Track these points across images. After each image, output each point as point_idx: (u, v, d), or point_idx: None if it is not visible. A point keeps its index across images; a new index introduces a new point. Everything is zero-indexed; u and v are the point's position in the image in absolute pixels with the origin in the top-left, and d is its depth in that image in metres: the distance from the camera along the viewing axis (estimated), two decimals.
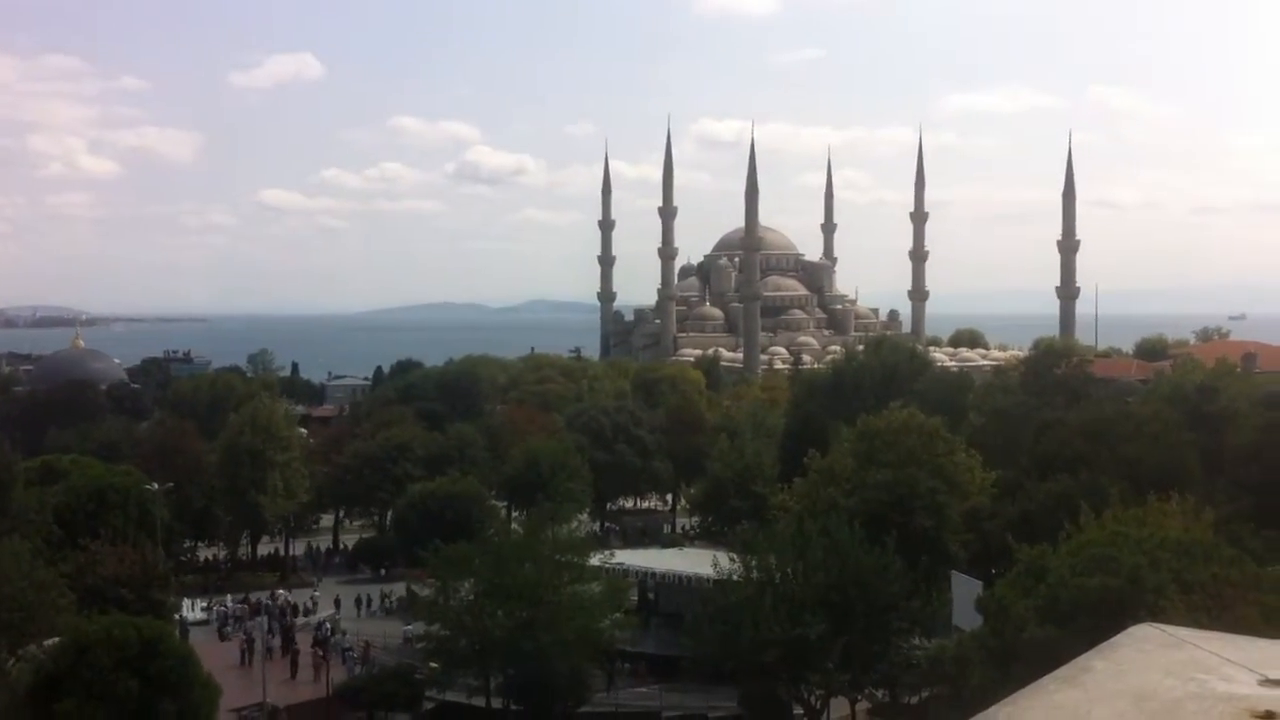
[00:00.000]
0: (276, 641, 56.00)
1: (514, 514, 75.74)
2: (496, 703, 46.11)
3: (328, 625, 59.11)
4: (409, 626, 54.98)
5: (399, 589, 65.49)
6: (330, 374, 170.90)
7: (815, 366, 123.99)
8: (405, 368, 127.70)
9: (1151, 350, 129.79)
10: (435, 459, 77.65)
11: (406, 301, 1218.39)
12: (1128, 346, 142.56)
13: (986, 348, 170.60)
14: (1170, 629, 2.44)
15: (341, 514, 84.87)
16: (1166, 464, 50.90)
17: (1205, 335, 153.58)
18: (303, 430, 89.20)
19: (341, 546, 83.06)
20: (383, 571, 73.31)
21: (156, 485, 62.07)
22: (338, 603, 66.24)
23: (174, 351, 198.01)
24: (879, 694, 44.77)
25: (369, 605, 66.20)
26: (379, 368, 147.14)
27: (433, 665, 47.46)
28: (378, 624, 61.14)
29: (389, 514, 78.30)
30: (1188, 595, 31.40)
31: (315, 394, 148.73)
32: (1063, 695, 2.10)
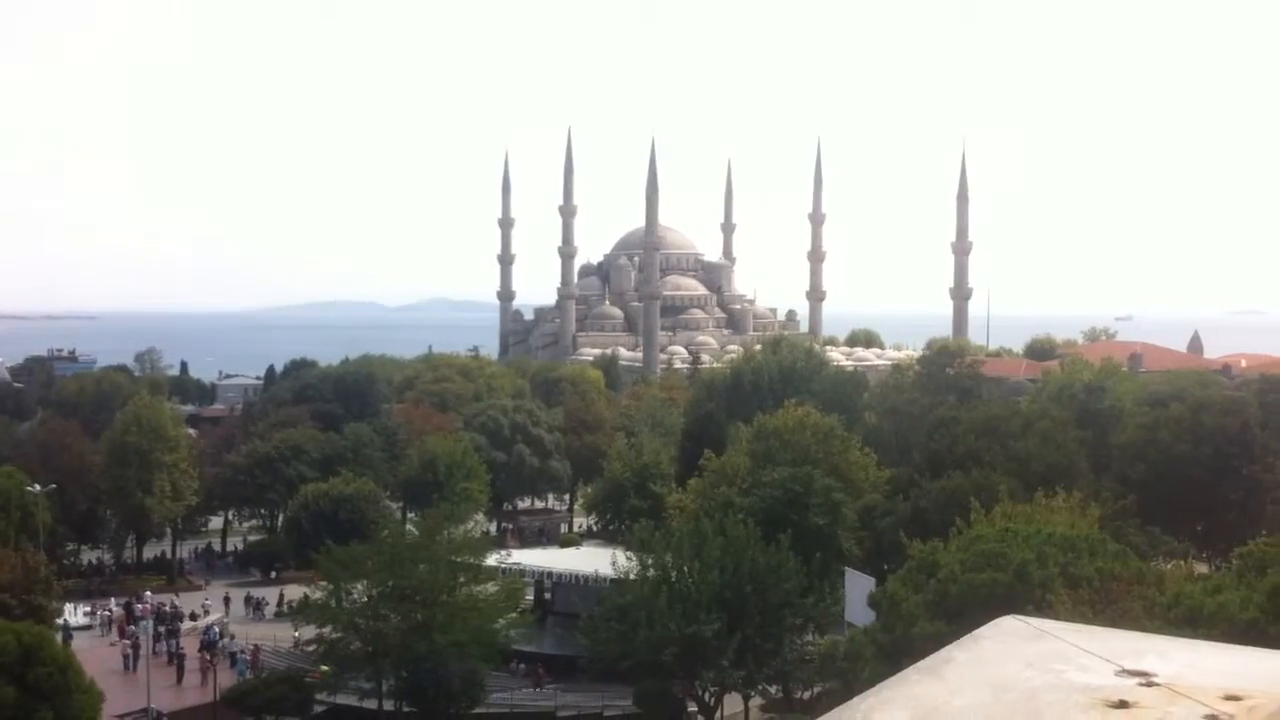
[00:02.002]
0: (163, 646, 54.74)
1: (410, 515, 75.02)
2: (389, 705, 45.62)
3: (215, 629, 57.95)
4: (299, 630, 54.18)
5: (291, 591, 64.50)
6: (221, 373, 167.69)
7: (714, 366, 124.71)
8: (299, 367, 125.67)
9: (1041, 350, 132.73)
10: (329, 459, 76.57)
11: (302, 299, 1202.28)
12: (1018, 346, 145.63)
13: (882, 347, 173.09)
14: (1034, 621, 2.40)
15: (231, 516, 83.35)
16: (1054, 461, 52.10)
17: (1093, 335, 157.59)
18: (191, 430, 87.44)
19: (231, 549, 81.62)
20: (273, 574, 72.12)
21: (39, 487, 60.32)
22: (227, 604, 65.06)
23: (59, 350, 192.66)
24: (773, 690, 45.17)
25: (259, 608, 65.07)
26: (271, 367, 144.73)
27: (324, 668, 46.80)
28: (268, 627, 60.11)
29: (280, 516, 77.07)
30: (1074, 590, 32.07)
31: (206, 393, 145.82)
32: (924, 687, 2.05)
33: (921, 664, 2.16)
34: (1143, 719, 1.91)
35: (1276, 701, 1.96)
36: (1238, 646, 2.31)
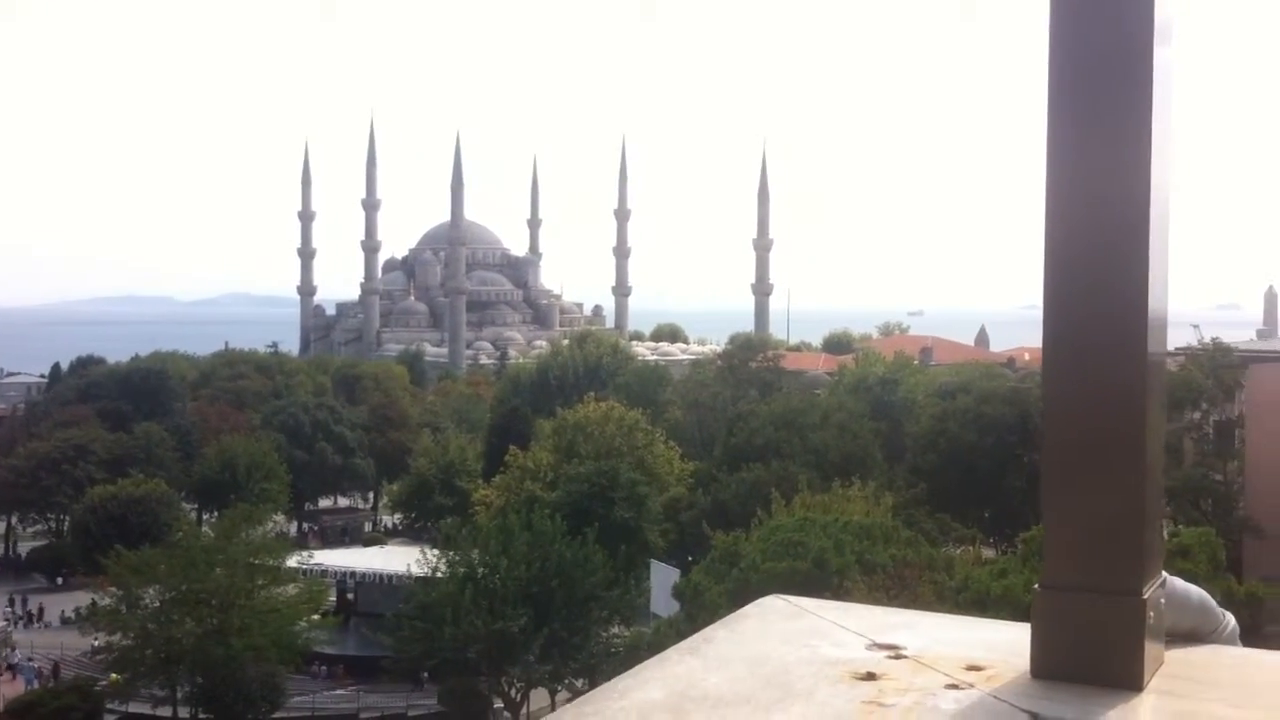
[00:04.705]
0: None
1: (206, 516, 72.80)
2: (184, 712, 44.33)
3: None
4: (97, 639, 52.02)
5: (80, 598, 61.84)
6: (2, 370, 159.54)
7: (521, 361, 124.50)
8: (86, 364, 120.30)
9: (838, 344, 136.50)
10: (119, 460, 73.58)
11: (91, 294, 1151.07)
12: (817, 340, 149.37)
13: (687, 342, 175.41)
14: (795, 600, 2.48)
15: (14, 520, 79.41)
16: (851, 452, 53.71)
17: (887, 330, 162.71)
18: None
19: (13, 554, 77.79)
20: (60, 580, 69.03)
21: None
22: (10, 610, 62.05)
23: None
24: (579, 683, 45.33)
25: (41, 616, 62.23)
26: (57, 364, 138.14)
27: (114, 676, 45.11)
28: (54, 635, 57.53)
29: (67, 519, 73.78)
30: (870, 576, 33.12)
31: None
32: (683, 665, 2.10)
33: (683, 643, 2.21)
34: (888, 689, 1.99)
35: (1014, 670, 2.07)
36: (982, 619, 2.43)
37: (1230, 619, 2.37)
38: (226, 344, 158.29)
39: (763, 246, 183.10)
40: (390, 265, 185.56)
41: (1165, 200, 2.04)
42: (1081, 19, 1.99)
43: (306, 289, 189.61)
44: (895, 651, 2.16)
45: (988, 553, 44.69)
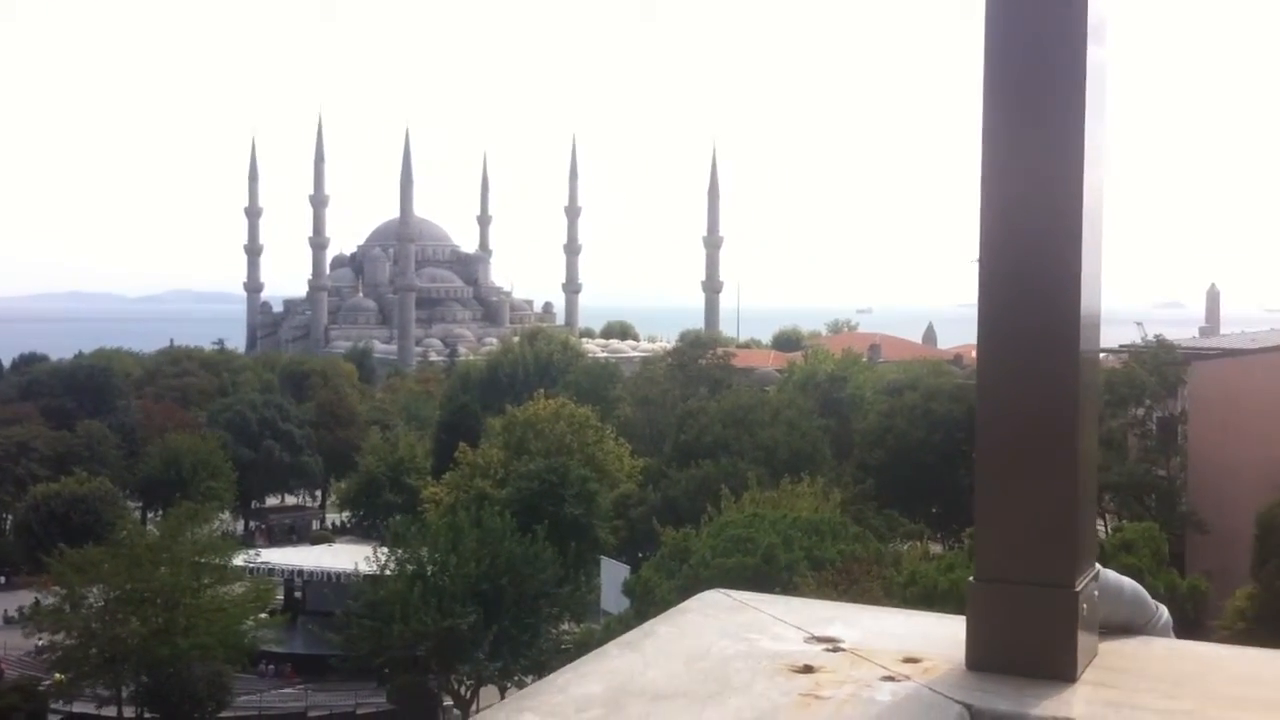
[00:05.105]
0: None
1: (151, 515, 72.03)
2: (130, 711, 43.89)
3: None
4: (41, 638, 51.34)
5: (23, 597, 61.01)
6: None
7: (471, 358, 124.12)
8: (28, 361, 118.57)
9: (787, 341, 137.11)
10: (62, 458, 72.65)
11: (35, 290, 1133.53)
12: (766, 338, 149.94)
13: (637, 339, 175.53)
14: (736, 594, 2.49)
15: None
16: (799, 449, 54.00)
17: (835, 327, 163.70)
18: None
19: None
20: (2, 579, 68.16)
21: None
22: None
23: None
24: (529, 680, 45.25)
25: None
26: None
27: (59, 676, 44.56)
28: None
29: (9, 518, 72.74)
30: (819, 571, 33.36)
31: None
32: (622, 660, 2.10)
33: (624, 638, 2.22)
34: (825, 682, 2.01)
35: (950, 662, 2.09)
36: (920, 612, 2.46)
37: (1163, 611, 2.41)
38: (172, 341, 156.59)
39: (713, 244, 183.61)
40: (339, 262, 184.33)
41: (1098, 199, 2.07)
42: (1015, 19, 2.01)
43: (253, 286, 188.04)
44: (833, 644, 2.18)
45: (935, 548, 45.03)
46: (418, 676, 42.99)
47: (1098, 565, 2.17)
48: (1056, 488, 2.02)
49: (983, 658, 2.05)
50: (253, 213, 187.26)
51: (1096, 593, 2.14)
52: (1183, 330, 72.29)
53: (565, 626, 44.95)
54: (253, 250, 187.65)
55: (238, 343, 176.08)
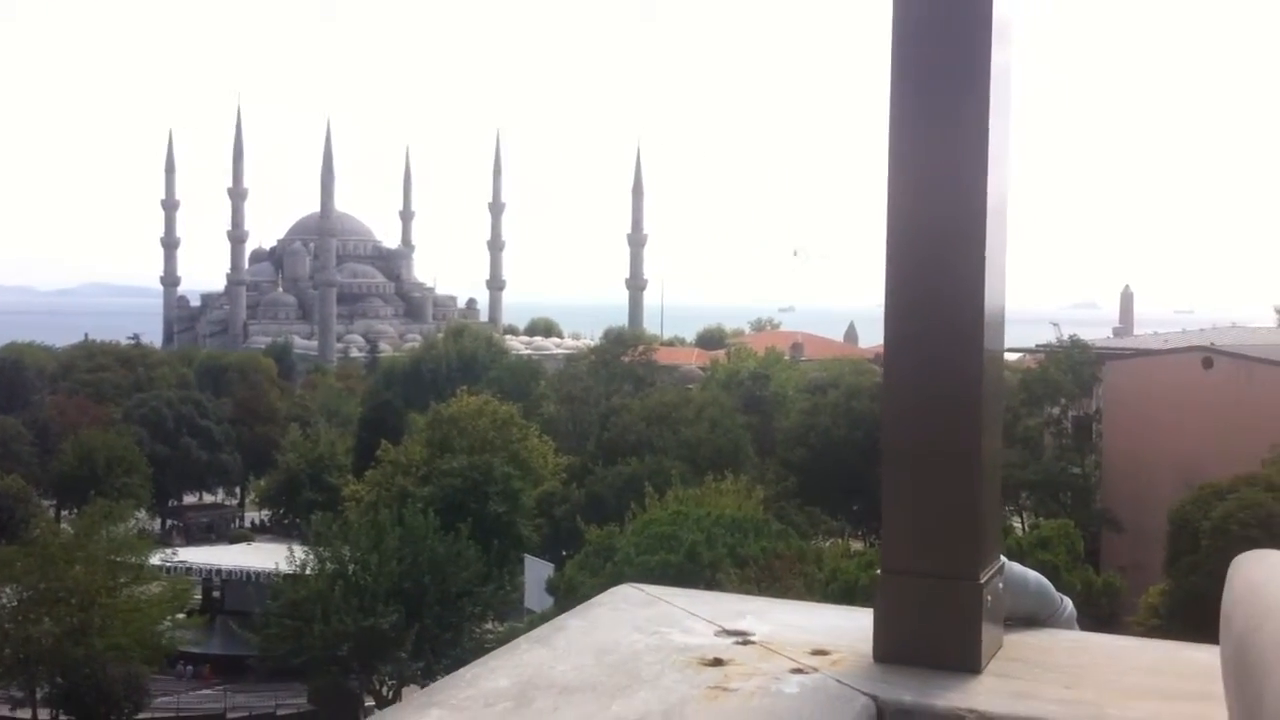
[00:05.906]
0: None
1: (65, 513, 70.61)
2: (45, 713, 43.05)
3: None
4: None
5: None
6: None
7: (393, 354, 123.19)
8: None
9: (711, 339, 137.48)
10: None
11: None
12: (690, 335, 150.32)
13: (561, 336, 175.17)
14: (648, 588, 2.50)
15: None
16: (723, 446, 54.22)
17: (759, 325, 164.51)
18: None
19: None
20: None
21: None
22: None
23: None
24: None
25: None
26: None
27: None
28: None
29: None
30: (742, 568, 33.55)
31: None
32: (532, 654, 2.11)
33: (534, 632, 2.22)
34: (734, 674, 2.02)
35: (858, 654, 2.12)
36: (829, 606, 2.49)
37: (1068, 604, 2.45)
38: (86, 335, 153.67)
39: (637, 242, 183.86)
40: (258, 256, 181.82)
41: (1003, 199, 2.10)
42: (920, 20, 2.04)
43: (170, 279, 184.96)
44: (743, 638, 2.20)
45: (856, 545, 45.52)
46: (339, 677, 42.61)
47: (1003, 558, 2.21)
48: (961, 482, 2.05)
49: (890, 650, 2.08)
50: (170, 205, 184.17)
51: (1001, 585, 2.17)
52: (1097, 331, 73.62)
53: (489, 625, 44.76)
54: (169, 243, 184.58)
55: (154, 337, 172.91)
